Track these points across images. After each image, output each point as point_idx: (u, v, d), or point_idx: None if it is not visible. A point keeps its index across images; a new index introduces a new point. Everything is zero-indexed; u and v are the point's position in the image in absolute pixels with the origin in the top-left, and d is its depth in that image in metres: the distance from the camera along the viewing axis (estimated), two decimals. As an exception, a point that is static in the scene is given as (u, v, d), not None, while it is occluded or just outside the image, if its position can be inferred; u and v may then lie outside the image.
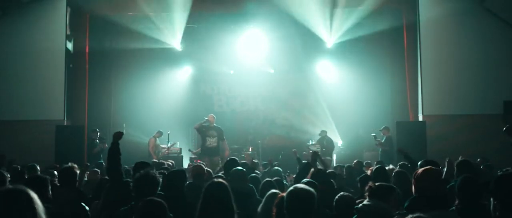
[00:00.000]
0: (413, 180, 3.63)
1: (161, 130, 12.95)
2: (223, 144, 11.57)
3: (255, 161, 7.68)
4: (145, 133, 13.34)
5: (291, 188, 3.19)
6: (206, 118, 11.53)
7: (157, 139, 12.97)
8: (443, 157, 8.36)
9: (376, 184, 3.94)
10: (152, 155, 12.40)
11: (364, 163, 8.83)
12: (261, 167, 9.45)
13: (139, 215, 3.26)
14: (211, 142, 11.31)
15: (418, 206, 3.38)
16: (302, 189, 3.14)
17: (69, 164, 4.80)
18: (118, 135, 5.23)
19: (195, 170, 5.94)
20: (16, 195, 2.10)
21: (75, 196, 4.48)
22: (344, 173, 7.68)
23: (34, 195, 2.13)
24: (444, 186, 4.06)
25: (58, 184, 4.77)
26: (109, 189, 4.89)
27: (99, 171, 7.62)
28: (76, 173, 4.73)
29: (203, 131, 11.48)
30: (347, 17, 12.80)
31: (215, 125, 11.54)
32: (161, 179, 4.12)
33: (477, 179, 4.03)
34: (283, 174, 7.38)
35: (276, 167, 7.35)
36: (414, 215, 2.36)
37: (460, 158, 5.63)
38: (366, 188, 3.92)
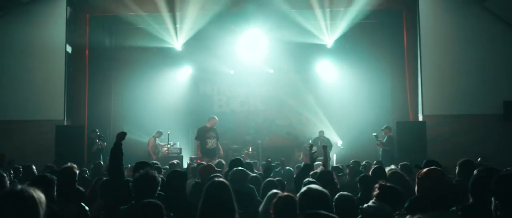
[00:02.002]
0: (417, 179, 3.62)
1: (160, 130, 12.97)
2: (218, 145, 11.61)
3: (269, 159, 7.60)
4: (145, 133, 13.34)
5: (304, 188, 3.16)
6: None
7: (157, 139, 12.97)
8: (443, 157, 8.35)
9: (388, 184, 3.89)
10: (151, 155, 12.42)
11: (363, 162, 8.82)
12: (260, 168, 9.41)
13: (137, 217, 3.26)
14: (212, 143, 11.34)
15: (418, 206, 3.37)
16: (316, 190, 3.11)
17: (69, 164, 4.78)
18: (122, 135, 5.12)
19: (206, 170, 5.88)
20: (24, 196, 2.07)
21: (75, 196, 4.47)
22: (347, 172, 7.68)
23: (40, 196, 2.11)
24: (447, 186, 4.04)
25: (57, 184, 4.75)
26: (109, 189, 4.88)
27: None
28: (76, 173, 4.73)
29: (203, 133, 11.47)
30: (347, 17, 12.78)
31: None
32: (160, 179, 4.12)
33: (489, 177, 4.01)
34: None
35: (289, 167, 7.30)
36: (414, 216, 2.35)
37: (459, 161, 5.58)
38: (376, 186, 3.86)
